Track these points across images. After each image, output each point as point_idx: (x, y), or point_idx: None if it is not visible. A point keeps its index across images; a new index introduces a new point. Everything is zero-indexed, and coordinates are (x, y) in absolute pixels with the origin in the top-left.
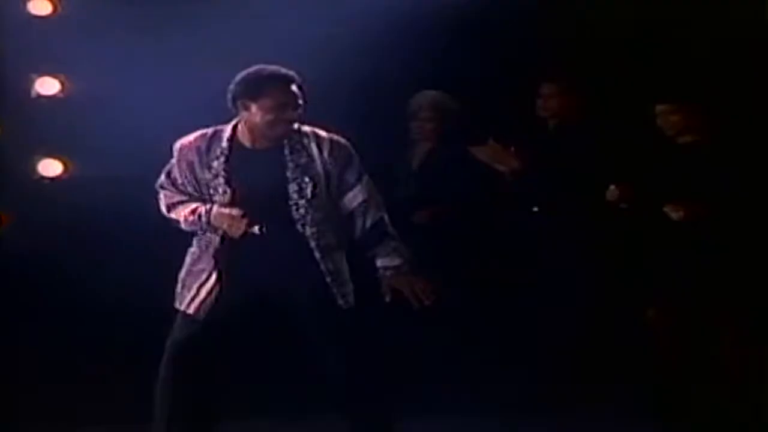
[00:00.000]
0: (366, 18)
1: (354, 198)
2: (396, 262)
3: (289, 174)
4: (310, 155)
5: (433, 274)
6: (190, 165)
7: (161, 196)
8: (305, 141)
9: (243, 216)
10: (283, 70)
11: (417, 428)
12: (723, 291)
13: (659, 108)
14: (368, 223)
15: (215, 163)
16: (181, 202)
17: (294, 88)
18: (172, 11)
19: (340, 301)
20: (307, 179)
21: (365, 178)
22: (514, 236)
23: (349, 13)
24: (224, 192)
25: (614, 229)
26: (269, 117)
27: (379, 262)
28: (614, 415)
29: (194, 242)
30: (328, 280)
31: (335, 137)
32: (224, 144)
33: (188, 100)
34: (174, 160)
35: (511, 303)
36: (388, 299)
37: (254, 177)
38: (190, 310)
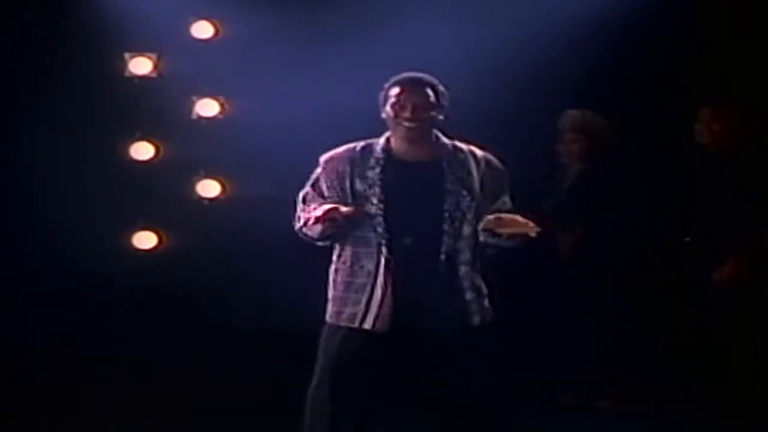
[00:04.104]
0: (530, 34)
1: (499, 208)
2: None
3: (448, 186)
4: (468, 170)
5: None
6: (341, 175)
7: (303, 208)
8: (461, 156)
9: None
10: (413, 74)
11: None
12: None
13: None
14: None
15: (370, 173)
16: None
17: (424, 90)
18: (331, 33)
19: (477, 318)
20: (465, 192)
21: (508, 196)
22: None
23: (510, 28)
24: (379, 201)
25: None
26: (390, 114)
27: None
28: None
29: (339, 258)
30: (470, 296)
31: (489, 155)
32: (379, 154)
33: (347, 120)
34: (320, 171)
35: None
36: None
37: (410, 188)
38: (366, 325)
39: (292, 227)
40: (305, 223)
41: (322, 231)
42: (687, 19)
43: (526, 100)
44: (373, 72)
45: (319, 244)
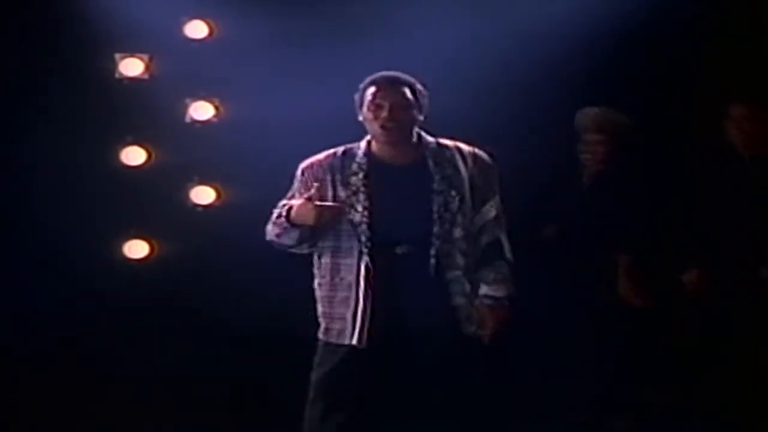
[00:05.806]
0: (543, 33)
1: (487, 213)
2: (500, 293)
3: (435, 186)
4: (455, 167)
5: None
6: (322, 184)
7: (274, 219)
8: (448, 154)
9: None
10: (389, 73)
11: None
12: None
13: None
14: (486, 240)
15: (354, 179)
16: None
17: (401, 89)
18: (328, 34)
19: (470, 327)
20: (453, 192)
21: (498, 195)
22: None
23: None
24: (363, 209)
25: None
26: (368, 116)
27: (483, 289)
28: None
29: (319, 271)
30: (459, 302)
31: (477, 150)
32: (361, 159)
33: (346, 123)
34: (298, 182)
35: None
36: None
37: (396, 192)
38: (353, 341)
39: None
40: (279, 232)
41: (300, 235)
42: (705, 18)
43: (536, 99)
44: (373, 73)
45: (294, 250)
